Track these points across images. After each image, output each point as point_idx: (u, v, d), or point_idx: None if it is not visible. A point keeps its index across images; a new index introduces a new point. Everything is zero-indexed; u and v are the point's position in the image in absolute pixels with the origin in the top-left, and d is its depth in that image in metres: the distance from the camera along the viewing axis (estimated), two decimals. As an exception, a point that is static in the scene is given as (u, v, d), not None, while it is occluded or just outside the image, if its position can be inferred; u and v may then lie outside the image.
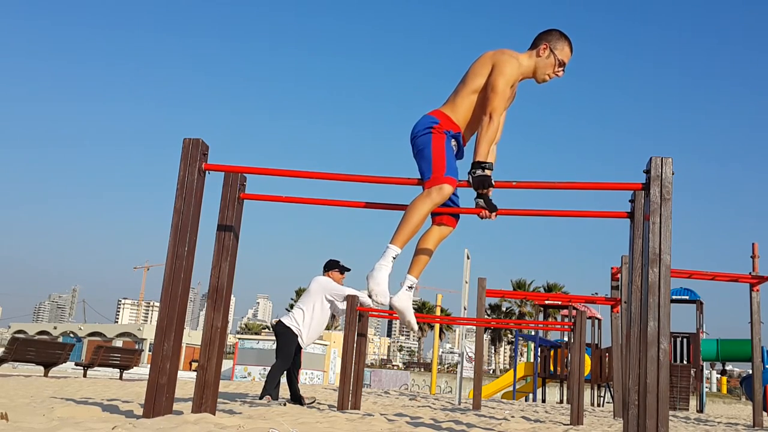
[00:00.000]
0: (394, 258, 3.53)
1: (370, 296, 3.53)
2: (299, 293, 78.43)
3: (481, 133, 3.57)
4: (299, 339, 7.34)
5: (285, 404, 6.71)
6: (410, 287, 3.77)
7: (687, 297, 21.47)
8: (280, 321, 7.46)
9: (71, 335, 53.97)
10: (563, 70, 3.80)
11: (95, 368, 15.47)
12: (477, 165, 3.50)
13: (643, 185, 3.37)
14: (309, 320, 7.35)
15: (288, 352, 7.31)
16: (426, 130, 3.67)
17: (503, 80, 3.59)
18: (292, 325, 7.32)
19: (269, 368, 7.27)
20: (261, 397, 7.02)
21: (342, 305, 7.36)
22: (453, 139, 3.71)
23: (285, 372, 7.37)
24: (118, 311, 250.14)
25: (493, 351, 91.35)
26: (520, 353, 26.50)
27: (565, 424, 6.62)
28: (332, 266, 7.59)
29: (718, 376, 45.55)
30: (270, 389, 7.03)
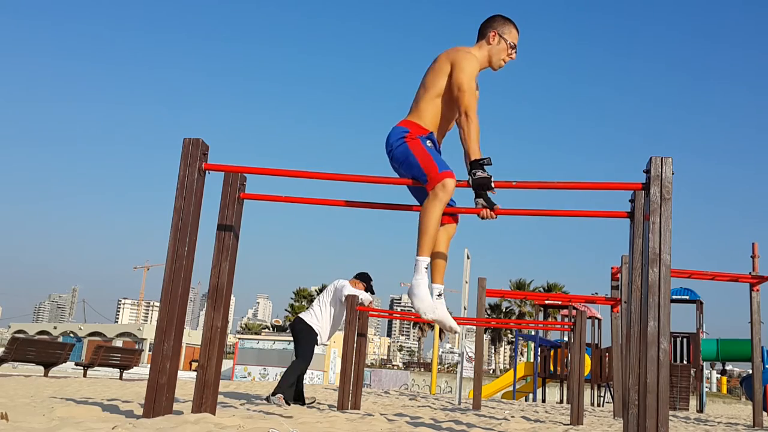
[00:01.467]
0: (426, 268, 3.54)
1: (419, 314, 3.56)
2: (299, 293, 78.54)
3: (464, 134, 3.59)
4: (318, 337, 7.33)
5: (289, 405, 6.69)
6: (439, 295, 3.82)
7: (687, 297, 21.46)
8: (299, 317, 7.43)
9: (71, 335, 53.95)
10: (515, 52, 3.87)
11: (95, 368, 15.47)
12: (476, 164, 3.49)
13: (643, 185, 3.37)
14: (327, 319, 7.36)
15: (309, 351, 7.27)
16: (399, 141, 3.69)
17: (466, 77, 3.62)
18: (313, 323, 7.30)
19: (288, 366, 7.20)
20: (273, 394, 6.95)
21: (348, 290, 7.35)
22: (428, 141, 3.72)
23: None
24: (118, 311, 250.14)
25: (493, 351, 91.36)
26: (520, 353, 26.49)
27: (565, 424, 6.62)
28: (362, 278, 7.58)
29: (718, 376, 45.52)
30: (285, 388, 6.96)
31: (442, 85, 3.71)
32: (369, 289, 7.58)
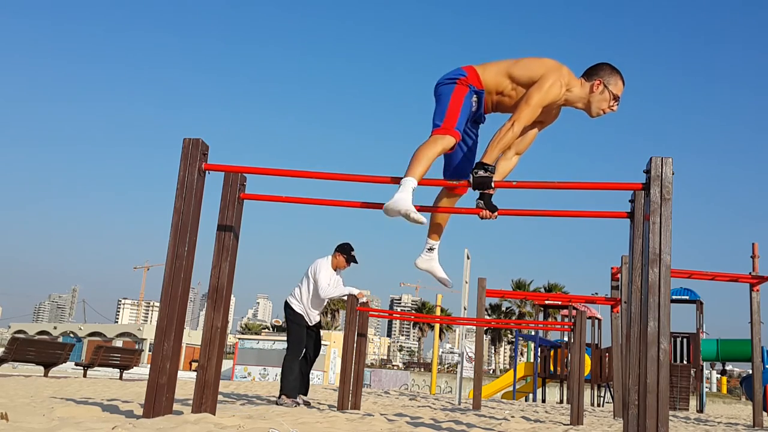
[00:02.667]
0: (413, 189, 3.45)
1: (405, 216, 3.35)
2: (299, 293, 78.19)
3: (496, 136, 3.53)
4: (305, 317, 7.15)
5: (301, 404, 6.60)
6: (430, 249, 3.86)
7: (687, 297, 21.47)
8: (286, 301, 7.30)
9: (71, 335, 53.96)
10: (617, 105, 3.76)
11: (95, 368, 15.46)
12: (480, 165, 3.49)
13: (643, 185, 3.37)
14: (307, 298, 7.17)
15: (296, 338, 7.06)
16: (451, 80, 3.66)
17: (539, 97, 3.55)
18: (294, 303, 7.15)
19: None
20: (279, 397, 6.84)
21: (323, 291, 7.10)
22: (475, 95, 3.67)
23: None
24: (118, 311, 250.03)
25: (493, 351, 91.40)
26: (520, 353, 26.50)
27: (565, 424, 6.62)
28: (343, 250, 7.30)
29: (718, 376, 45.56)
30: (287, 387, 6.80)
31: (519, 75, 3.64)
32: (351, 259, 7.30)
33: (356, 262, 7.37)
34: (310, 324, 7.26)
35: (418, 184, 3.47)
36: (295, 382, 6.92)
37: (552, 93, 3.59)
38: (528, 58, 3.71)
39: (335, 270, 7.35)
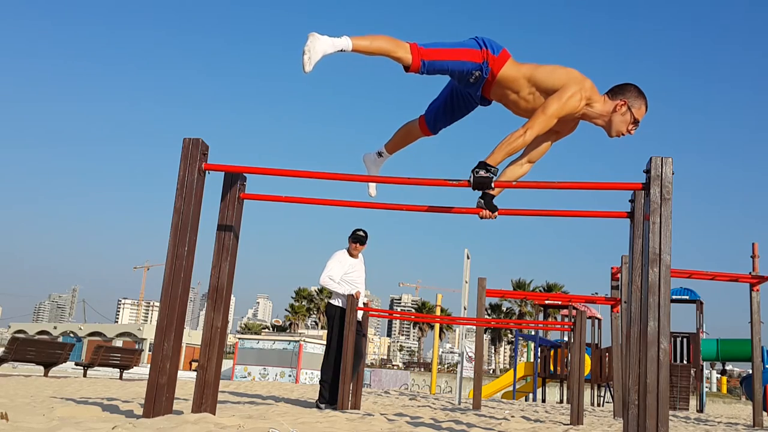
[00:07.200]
0: (341, 47, 3.45)
1: (303, 53, 3.32)
2: (299, 293, 78.44)
3: (506, 139, 3.48)
4: (339, 303, 7.05)
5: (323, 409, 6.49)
6: (380, 155, 3.97)
7: (687, 297, 21.48)
8: (327, 303, 7.32)
9: (71, 335, 53.99)
10: (636, 129, 3.70)
11: (95, 368, 15.47)
12: (482, 165, 3.43)
13: (643, 185, 3.38)
14: (337, 290, 7.14)
15: (327, 340, 7.06)
16: (481, 43, 3.59)
17: (556, 107, 3.48)
18: (334, 303, 7.14)
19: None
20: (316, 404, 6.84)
21: (320, 277, 7.14)
22: (478, 71, 3.58)
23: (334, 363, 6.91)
24: (118, 311, 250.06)
25: (493, 351, 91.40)
26: (520, 353, 26.50)
27: (565, 424, 6.62)
28: (350, 236, 7.32)
29: (718, 376, 45.58)
30: (320, 394, 6.87)
31: (540, 83, 3.57)
32: (353, 239, 7.23)
33: (359, 240, 7.24)
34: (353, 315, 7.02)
35: (352, 50, 3.49)
36: (323, 388, 6.90)
37: (570, 104, 3.51)
38: (553, 65, 3.63)
39: (354, 257, 7.28)
